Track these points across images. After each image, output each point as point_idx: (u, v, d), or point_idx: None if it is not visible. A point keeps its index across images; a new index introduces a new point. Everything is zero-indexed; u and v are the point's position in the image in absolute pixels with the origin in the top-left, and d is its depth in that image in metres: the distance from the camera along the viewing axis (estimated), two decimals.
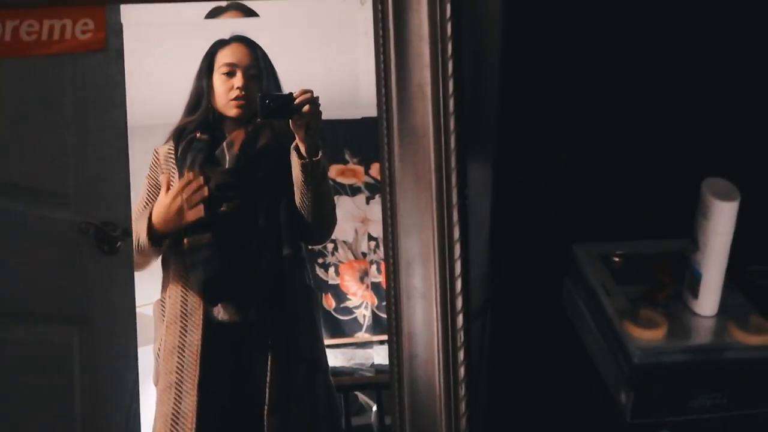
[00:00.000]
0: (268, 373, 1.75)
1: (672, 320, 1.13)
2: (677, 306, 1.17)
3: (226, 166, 1.78)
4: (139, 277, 1.73)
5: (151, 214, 1.71)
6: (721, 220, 1.09)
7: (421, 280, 1.35)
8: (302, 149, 1.79)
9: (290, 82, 1.84)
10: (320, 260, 3.53)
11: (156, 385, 1.84)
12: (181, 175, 1.76)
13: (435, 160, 1.31)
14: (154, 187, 1.79)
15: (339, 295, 3.45)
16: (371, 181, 3.38)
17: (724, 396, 1.11)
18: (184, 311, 1.81)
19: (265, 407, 1.73)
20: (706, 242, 1.12)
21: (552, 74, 1.29)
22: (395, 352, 1.40)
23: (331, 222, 1.92)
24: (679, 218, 1.20)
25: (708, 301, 1.15)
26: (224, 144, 1.84)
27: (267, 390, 1.74)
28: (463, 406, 1.34)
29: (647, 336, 1.10)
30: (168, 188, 1.72)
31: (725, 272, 1.15)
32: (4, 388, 1.46)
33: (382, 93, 1.33)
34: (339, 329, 3.41)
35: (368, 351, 3.22)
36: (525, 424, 1.46)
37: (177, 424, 1.74)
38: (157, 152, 1.82)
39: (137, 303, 1.76)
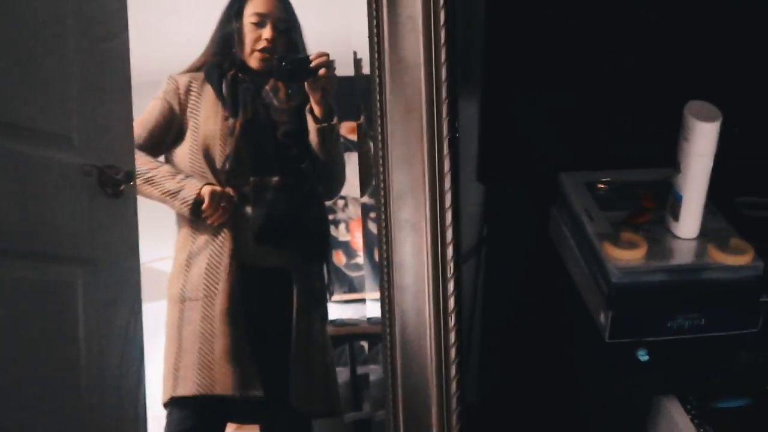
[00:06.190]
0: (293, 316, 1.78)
1: (652, 242, 1.14)
2: (659, 230, 1.18)
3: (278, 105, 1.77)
4: (153, 230, 1.75)
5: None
6: (702, 141, 1.10)
7: (411, 212, 1.37)
8: (317, 112, 1.80)
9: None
10: (331, 216, 3.54)
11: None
12: (233, 113, 1.74)
13: (426, 92, 1.32)
14: (168, 111, 1.76)
15: (349, 251, 3.46)
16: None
17: (701, 317, 1.12)
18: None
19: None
20: (687, 164, 1.12)
21: (537, 6, 1.30)
22: (386, 283, 1.42)
23: (340, 181, 1.94)
24: (667, 149, 1.20)
25: (688, 223, 1.15)
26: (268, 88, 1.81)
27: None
28: (452, 336, 1.36)
29: (627, 256, 1.11)
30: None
31: (710, 200, 1.15)
32: (7, 327, 1.47)
33: (373, 24, 1.34)
34: (350, 285, 3.43)
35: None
36: (514, 354, 1.47)
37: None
38: (176, 81, 1.76)
39: (150, 257, 1.78)
